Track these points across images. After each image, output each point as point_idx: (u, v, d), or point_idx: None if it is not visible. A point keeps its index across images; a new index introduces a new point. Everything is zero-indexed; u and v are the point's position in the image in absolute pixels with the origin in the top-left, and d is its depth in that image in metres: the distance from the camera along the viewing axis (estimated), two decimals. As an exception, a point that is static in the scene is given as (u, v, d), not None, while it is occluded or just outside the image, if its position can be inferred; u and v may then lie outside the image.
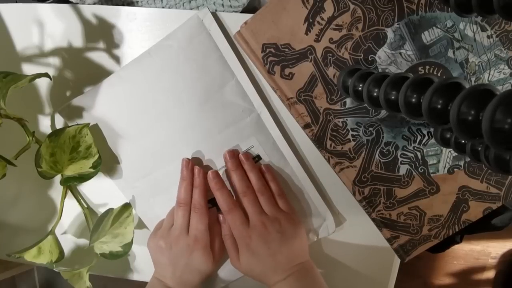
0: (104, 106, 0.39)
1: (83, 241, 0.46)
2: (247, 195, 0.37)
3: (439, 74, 0.36)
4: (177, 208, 0.38)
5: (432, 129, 0.37)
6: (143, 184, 0.41)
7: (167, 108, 0.38)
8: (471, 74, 0.36)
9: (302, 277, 0.36)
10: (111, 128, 0.39)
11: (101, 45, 0.39)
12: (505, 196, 0.39)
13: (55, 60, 0.40)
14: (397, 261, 0.42)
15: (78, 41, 0.39)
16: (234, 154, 0.38)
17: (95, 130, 0.39)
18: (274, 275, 0.36)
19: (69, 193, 0.42)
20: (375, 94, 0.29)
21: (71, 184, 0.40)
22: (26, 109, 0.41)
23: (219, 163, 0.39)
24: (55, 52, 0.40)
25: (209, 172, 0.38)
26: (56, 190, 0.44)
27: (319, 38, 0.35)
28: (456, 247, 0.76)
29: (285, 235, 0.36)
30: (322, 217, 0.41)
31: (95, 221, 0.41)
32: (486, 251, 1.15)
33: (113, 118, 0.39)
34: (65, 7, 0.38)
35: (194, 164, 0.39)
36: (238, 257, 0.38)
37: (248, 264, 0.37)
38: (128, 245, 0.40)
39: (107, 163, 0.40)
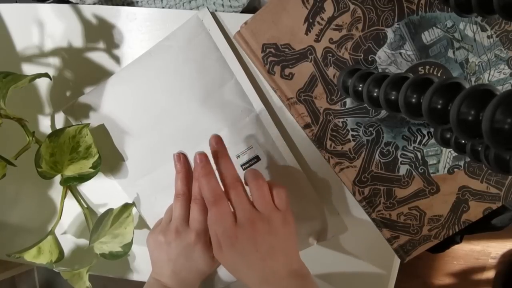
0: (106, 105, 0.39)
1: (83, 241, 0.46)
2: (236, 187, 0.32)
3: (439, 74, 0.36)
4: (175, 199, 0.38)
5: (432, 129, 0.37)
6: (145, 183, 0.41)
7: (167, 108, 0.38)
8: (471, 74, 0.36)
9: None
10: (113, 128, 0.39)
11: (101, 45, 0.39)
12: (505, 196, 0.39)
13: (55, 60, 0.40)
14: (397, 261, 0.42)
15: (78, 41, 0.39)
16: (220, 140, 0.34)
17: (97, 129, 0.39)
18: (265, 287, 0.31)
19: (69, 193, 0.42)
20: (375, 94, 0.29)
21: (71, 184, 0.40)
22: (26, 109, 0.41)
23: (219, 163, 0.39)
24: (55, 52, 0.40)
25: (196, 154, 0.33)
26: (56, 190, 0.44)
27: (319, 38, 0.35)
28: (456, 247, 0.76)
29: (278, 238, 0.32)
30: (321, 220, 0.41)
31: (95, 221, 0.41)
32: (486, 251, 1.15)
33: (115, 117, 0.39)
34: (65, 7, 0.38)
35: (186, 156, 0.39)
36: (222, 250, 0.33)
37: (232, 261, 0.33)
38: (128, 245, 0.40)
39: (109, 163, 0.41)
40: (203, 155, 0.34)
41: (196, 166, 0.34)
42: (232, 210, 0.33)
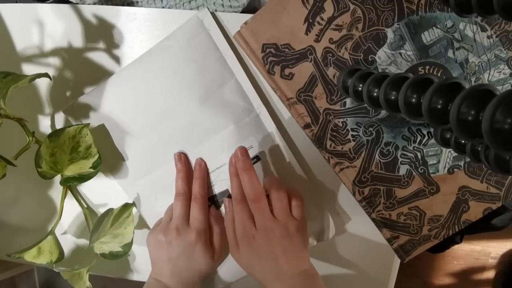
0: (107, 105, 0.39)
1: (83, 241, 0.46)
2: (259, 200, 0.35)
3: (439, 74, 0.36)
4: (176, 199, 0.38)
5: (432, 129, 0.37)
6: (145, 182, 0.41)
7: (167, 107, 0.38)
8: (471, 74, 0.36)
9: (307, 286, 0.34)
10: (113, 128, 0.39)
11: (101, 45, 0.39)
12: (505, 196, 0.39)
13: (55, 60, 0.40)
14: (397, 261, 0.42)
15: (78, 41, 0.39)
16: (246, 152, 0.36)
17: (97, 129, 0.39)
18: (276, 283, 0.34)
19: (69, 193, 0.42)
20: (375, 94, 0.29)
21: (71, 184, 0.40)
22: (26, 109, 0.41)
23: (218, 163, 0.39)
24: (55, 52, 0.40)
25: (237, 149, 0.36)
26: (56, 190, 0.44)
27: (319, 38, 0.35)
28: (456, 247, 0.77)
29: (292, 242, 0.35)
30: (322, 221, 0.41)
31: (95, 221, 0.41)
32: (486, 251, 1.16)
33: (115, 117, 0.39)
34: (65, 7, 0.38)
35: (186, 156, 0.39)
36: (238, 248, 0.36)
37: (248, 259, 0.35)
38: (128, 245, 0.40)
39: (109, 163, 0.41)
40: (243, 149, 0.36)
41: (237, 160, 0.36)
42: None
